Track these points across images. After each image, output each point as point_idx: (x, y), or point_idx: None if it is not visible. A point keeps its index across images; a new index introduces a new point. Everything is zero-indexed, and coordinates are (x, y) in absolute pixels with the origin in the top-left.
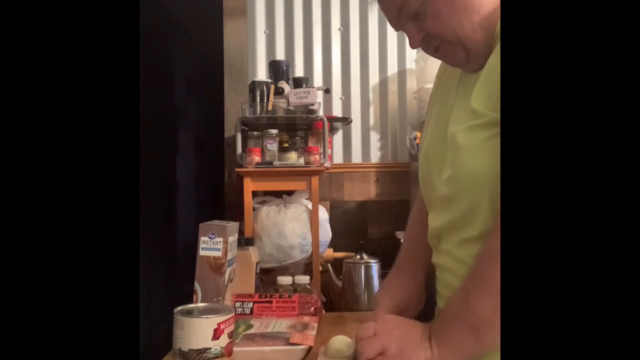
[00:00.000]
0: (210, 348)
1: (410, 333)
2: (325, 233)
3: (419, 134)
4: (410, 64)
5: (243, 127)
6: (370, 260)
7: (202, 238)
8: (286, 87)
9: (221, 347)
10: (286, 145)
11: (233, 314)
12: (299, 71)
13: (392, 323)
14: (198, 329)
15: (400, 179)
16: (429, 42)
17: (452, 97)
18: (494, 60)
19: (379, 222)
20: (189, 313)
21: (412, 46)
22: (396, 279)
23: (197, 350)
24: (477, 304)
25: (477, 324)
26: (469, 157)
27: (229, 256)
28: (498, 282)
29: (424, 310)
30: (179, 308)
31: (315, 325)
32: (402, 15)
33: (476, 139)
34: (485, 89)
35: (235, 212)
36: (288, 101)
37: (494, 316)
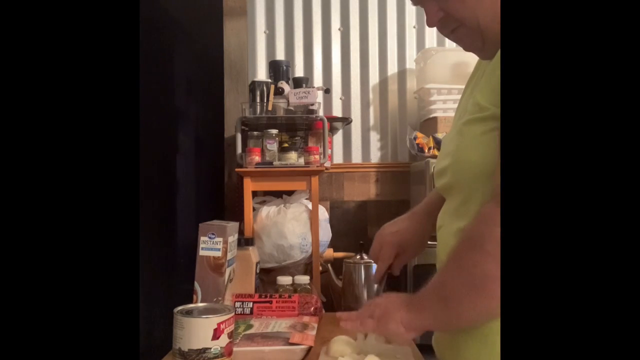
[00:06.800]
0: (210, 348)
1: (393, 300)
2: (325, 233)
3: (419, 134)
4: (410, 64)
5: (243, 127)
6: (370, 260)
7: (202, 238)
8: (286, 87)
9: (221, 347)
10: (286, 145)
11: (233, 314)
12: (299, 71)
13: (380, 298)
14: (198, 329)
15: (400, 179)
16: (446, 23)
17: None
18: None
19: (379, 222)
20: (189, 313)
21: (429, 24)
22: (406, 221)
23: (197, 350)
24: (449, 279)
25: (446, 295)
26: (465, 149)
27: (229, 256)
28: (471, 263)
29: None
30: (179, 308)
31: (315, 325)
32: None
33: (475, 131)
34: (490, 82)
35: (235, 212)
36: (288, 101)
37: (462, 292)
